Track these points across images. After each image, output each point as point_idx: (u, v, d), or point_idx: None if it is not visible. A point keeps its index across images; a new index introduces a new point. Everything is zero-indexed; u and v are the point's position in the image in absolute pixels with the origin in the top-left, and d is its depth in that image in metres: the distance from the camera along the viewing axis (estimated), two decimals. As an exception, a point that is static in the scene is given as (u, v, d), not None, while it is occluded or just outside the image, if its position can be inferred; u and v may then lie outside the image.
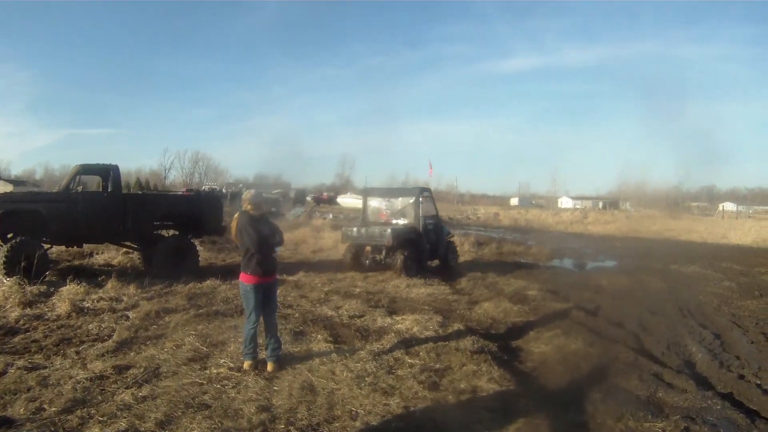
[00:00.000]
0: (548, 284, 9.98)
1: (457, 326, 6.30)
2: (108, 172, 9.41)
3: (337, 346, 5.39)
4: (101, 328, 5.97)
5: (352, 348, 5.35)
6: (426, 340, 5.71)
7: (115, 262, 11.03)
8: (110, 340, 5.47)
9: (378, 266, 10.70)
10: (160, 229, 10.58)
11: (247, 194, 4.80)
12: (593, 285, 10.22)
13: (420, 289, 9.00)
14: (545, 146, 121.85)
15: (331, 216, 27.56)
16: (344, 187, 71.93)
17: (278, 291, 8.29)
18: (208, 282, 8.53)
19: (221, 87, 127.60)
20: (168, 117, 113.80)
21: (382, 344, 5.51)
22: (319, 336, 5.76)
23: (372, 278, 10.13)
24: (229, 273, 9.05)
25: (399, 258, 10.22)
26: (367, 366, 4.74)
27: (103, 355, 5.01)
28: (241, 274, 4.66)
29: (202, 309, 6.90)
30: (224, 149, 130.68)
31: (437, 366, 4.91)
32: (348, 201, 54.42)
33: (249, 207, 4.71)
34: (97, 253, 11.49)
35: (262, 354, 4.82)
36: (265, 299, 4.68)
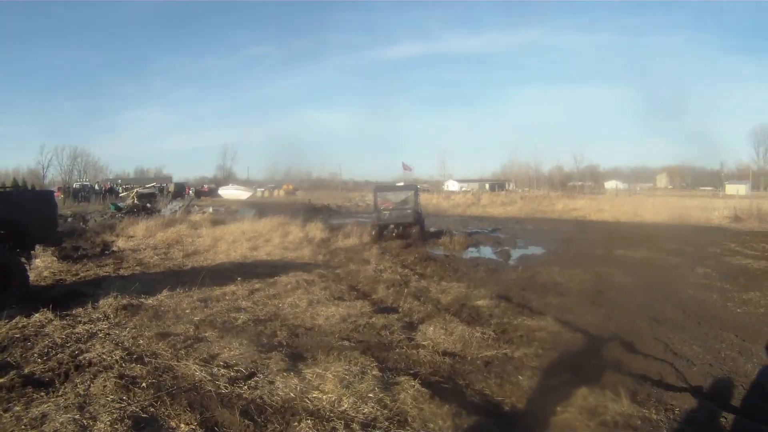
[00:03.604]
0: (492, 286, 8.01)
1: (407, 384, 3.86)
2: None
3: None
4: None
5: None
6: (369, 427, 3.27)
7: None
8: None
9: (397, 238, 14.15)
10: None
11: None
12: (548, 283, 8.37)
13: (329, 309, 6.47)
14: (426, 132, 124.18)
15: (211, 209, 23.92)
16: (226, 179, 68.15)
17: (126, 330, 5.44)
18: (37, 315, 5.74)
19: (99, 79, 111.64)
20: (44, 112, 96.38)
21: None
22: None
23: (261, 293, 7.40)
24: (75, 295, 7.11)
25: (416, 230, 14.37)
26: None
27: None
28: None
29: (5, 375, 4.11)
30: (103, 144, 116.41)
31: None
32: (230, 192, 49.78)
33: None
34: None
35: None
36: None
